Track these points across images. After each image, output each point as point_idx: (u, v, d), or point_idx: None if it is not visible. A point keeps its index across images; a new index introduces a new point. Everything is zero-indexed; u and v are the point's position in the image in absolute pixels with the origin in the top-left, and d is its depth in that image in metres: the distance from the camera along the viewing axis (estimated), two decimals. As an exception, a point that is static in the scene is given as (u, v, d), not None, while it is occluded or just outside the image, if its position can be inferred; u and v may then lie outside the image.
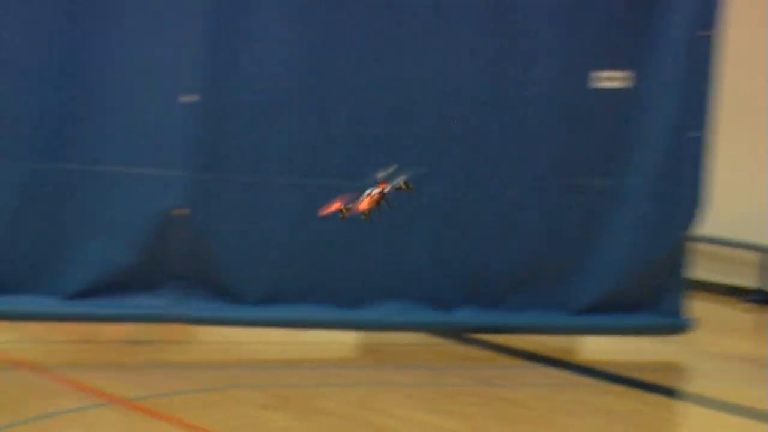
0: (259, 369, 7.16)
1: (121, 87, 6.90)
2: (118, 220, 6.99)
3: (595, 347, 7.81)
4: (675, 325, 7.49)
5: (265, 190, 7.07)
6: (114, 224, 6.98)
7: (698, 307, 7.74)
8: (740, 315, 10.03)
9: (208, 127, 6.95)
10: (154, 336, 7.82)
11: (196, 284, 7.09)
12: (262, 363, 7.36)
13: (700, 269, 9.03)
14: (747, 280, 10.52)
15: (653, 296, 7.26)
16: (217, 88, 6.91)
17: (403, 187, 3.97)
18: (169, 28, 6.89)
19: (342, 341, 7.68)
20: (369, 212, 3.83)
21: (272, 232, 7.09)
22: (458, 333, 7.50)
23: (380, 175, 3.89)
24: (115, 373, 6.85)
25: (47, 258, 6.89)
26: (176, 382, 6.74)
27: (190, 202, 7.05)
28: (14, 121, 6.75)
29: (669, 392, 7.14)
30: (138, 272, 7.02)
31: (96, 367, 6.95)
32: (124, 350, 7.60)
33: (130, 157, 6.97)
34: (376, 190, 3.88)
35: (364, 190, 3.79)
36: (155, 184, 6.95)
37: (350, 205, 3.88)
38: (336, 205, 3.94)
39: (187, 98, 6.90)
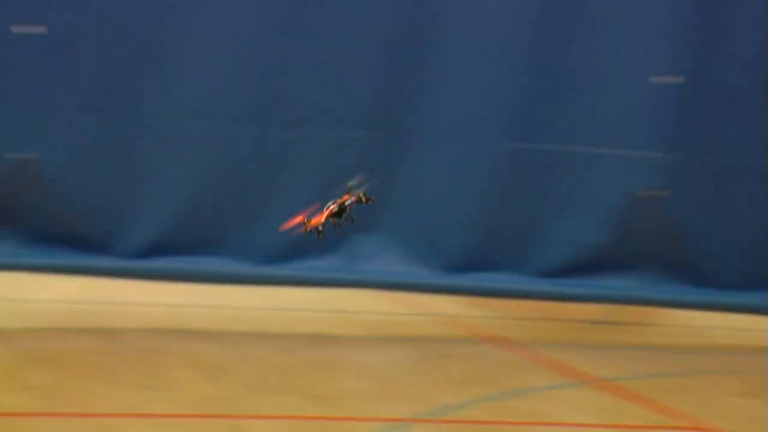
0: (732, 355, 6.99)
1: (592, 68, 6.88)
2: (589, 199, 6.99)
3: None
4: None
5: (735, 175, 6.87)
6: (585, 204, 6.99)
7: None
8: None
9: (685, 109, 6.82)
10: (615, 316, 7.79)
11: (666, 267, 6.99)
12: (733, 349, 7.19)
13: None
14: None
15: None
16: (699, 70, 6.76)
17: (363, 199, 3.73)
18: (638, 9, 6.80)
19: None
20: (322, 227, 3.64)
21: (744, 219, 6.89)
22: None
23: (350, 184, 3.69)
24: (583, 352, 6.87)
25: (522, 237, 6.97)
26: (643, 365, 6.69)
27: (662, 183, 6.96)
28: (491, 105, 6.85)
29: None
30: (607, 252, 6.99)
31: (563, 346, 7.00)
32: (588, 330, 7.62)
33: (601, 137, 6.94)
34: (334, 204, 3.67)
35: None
36: (625, 164, 6.90)
37: (312, 219, 3.68)
38: (298, 219, 3.73)
39: (665, 79, 6.79)
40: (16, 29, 6.12)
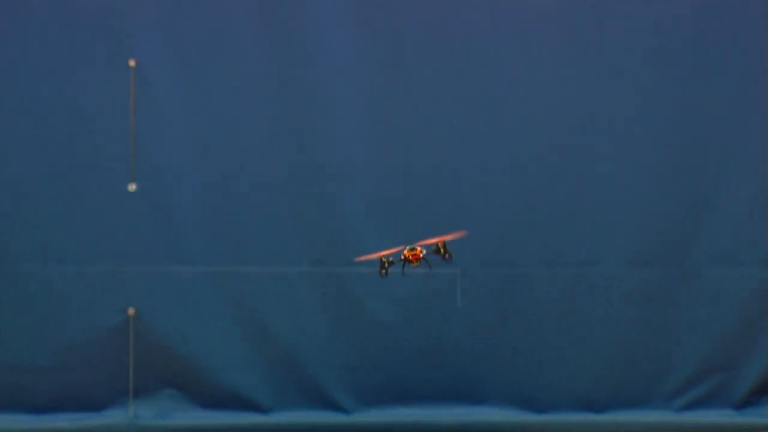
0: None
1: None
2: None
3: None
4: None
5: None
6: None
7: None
8: None
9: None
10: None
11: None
12: None
13: None
14: None
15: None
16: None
17: (441, 251, 3.96)
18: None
19: None
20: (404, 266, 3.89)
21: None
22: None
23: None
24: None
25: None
26: None
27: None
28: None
29: None
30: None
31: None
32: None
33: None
34: (410, 254, 3.88)
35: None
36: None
37: (392, 259, 3.93)
38: (375, 256, 3.91)
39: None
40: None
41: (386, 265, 4.09)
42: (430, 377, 5.73)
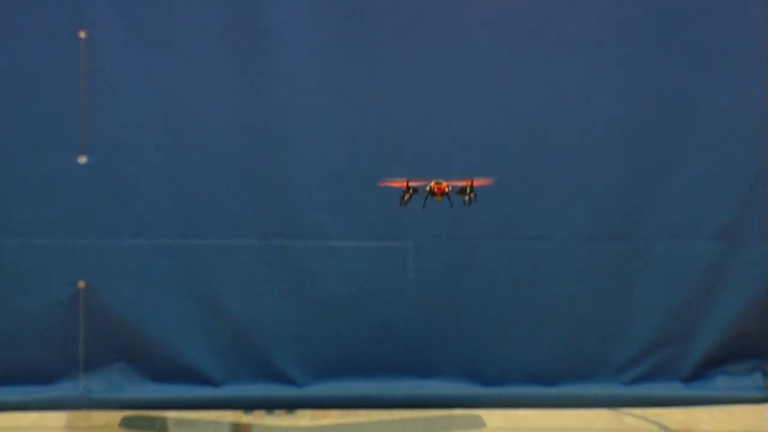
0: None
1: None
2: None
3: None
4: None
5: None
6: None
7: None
8: None
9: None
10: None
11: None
12: None
13: None
14: None
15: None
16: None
17: (467, 192, 3.97)
18: None
19: None
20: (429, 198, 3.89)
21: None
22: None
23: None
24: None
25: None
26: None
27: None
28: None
29: None
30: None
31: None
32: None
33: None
34: (436, 185, 3.88)
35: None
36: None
37: (416, 188, 3.93)
38: (401, 184, 3.90)
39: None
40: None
41: (410, 191, 4.07)
42: (382, 351, 5.73)
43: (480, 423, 5.86)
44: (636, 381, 5.78)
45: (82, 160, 5.59)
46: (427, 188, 4.06)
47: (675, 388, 5.77)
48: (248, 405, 5.70)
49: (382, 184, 4.30)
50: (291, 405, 5.71)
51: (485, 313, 5.73)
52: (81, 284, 5.60)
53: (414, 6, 5.63)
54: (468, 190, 4.11)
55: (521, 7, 5.64)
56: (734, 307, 5.71)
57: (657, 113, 5.65)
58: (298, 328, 5.70)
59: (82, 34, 5.53)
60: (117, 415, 5.79)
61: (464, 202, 4.13)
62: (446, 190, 4.05)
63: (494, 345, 5.74)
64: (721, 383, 5.80)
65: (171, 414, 5.84)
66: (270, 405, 5.72)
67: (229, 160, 5.62)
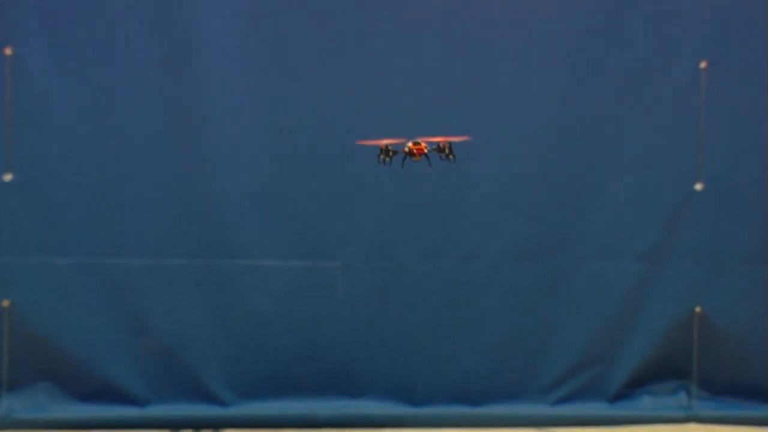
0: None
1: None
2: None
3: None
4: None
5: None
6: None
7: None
8: None
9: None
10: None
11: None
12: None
13: None
14: None
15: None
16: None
17: (446, 151, 3.98)
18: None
19: None
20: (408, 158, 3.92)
21: None
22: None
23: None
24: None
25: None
26: None
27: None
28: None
29: None
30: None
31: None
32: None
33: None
34: (414, 146, 3.91)
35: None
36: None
37: (395, 149, 3.94)
38: (378, 142, 3.92)
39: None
40: None
41: (390, 153, 4.03)
42: (309, 370, 5.72)
43: (407, 443, 5.86)
44: (562, 401, 5.81)
45: (8, 177, 5.53)
46: (405, 149, 4.03)
47: (600, 408, 5.81)
48: (175, 425, 5.65)
49: (359, 143, 4.27)
50: (218, 424, 5.67)
51: (413, 333, 5.74)
52: (5, 303, 5.54)
53: (341, 25, 5.64)
54: (447, 150, 4.09)
55: (449, 34, 5.67)
56: (659, 327, 5.76)
57: (582, 135, 5.70)
58: (225, 347, 5.68)
59: (8, 51, 5.49)
60: (41, 436, 5.73)
61: (443, 157, 4.11)
62: (425, 150, 4.03)
63: (421, 364, 5.74)
64: (645, 403, 5.84)
65: (96, 434, 5.78)
66: (196, 425, 5.68)
67: (156, 178, 5.59)
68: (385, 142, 4.06)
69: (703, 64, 5.68)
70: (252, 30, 5.61)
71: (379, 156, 4.10)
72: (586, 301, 5.76)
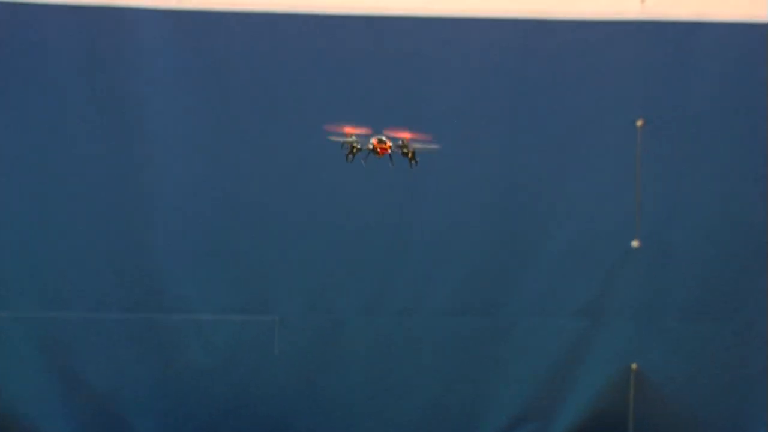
0: None
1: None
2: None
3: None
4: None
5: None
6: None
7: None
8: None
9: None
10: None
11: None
12: None
13: None
14: None
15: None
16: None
17: (409, 155, 3.98)
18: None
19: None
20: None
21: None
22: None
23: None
24: None
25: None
26: None
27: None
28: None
29: None
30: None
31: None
32: None
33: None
34: (379, 143, 3.90)
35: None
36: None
37: (360, 146, 3.92)
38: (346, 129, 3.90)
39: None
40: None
41: (354, 151, 3.99)
42: (243, 424, 5.70)
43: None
44: (496, 458, 5.81)
45: (-57, 230, 5.52)
46: (369, 146, 4.00)
47: (535, 466, 5.81)
48: (108, 480, 5.63)
49: (329, 128, 4.20)
50: (151, 481, 5.66)
51: (350, 387, 5.73)
52: (-62, 357, 5.52)
53: (282, 83, 5.65)
54: (410, 155, 4.07)
55: (383, 81, 5.69)
56: (595, 385, 5.77)
57: (520, 191, 5.72)
58: (161, 402, 5.65)
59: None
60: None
61: (409, 163, 4.09)
62: (389, 151, 4.01)
63: (359, 419, 5.73)
64: (583, 459, 5.85)
65: (31, 488, 5.74)
66: (130, 480, 5.66)
67: (92, 231, 5.58)
68: (349, 130, 4.01)
69: (639, 122, 5.71)
70: (193, 82, 5.62)
71: (347, 155, 4.04)
72: (524, 358, 5.75)
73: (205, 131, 5.62)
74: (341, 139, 4.00)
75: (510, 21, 5.69)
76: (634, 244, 5.73)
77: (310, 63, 5.67)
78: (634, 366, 5.76)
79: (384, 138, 4.03)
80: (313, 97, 5.66)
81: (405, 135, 4.05)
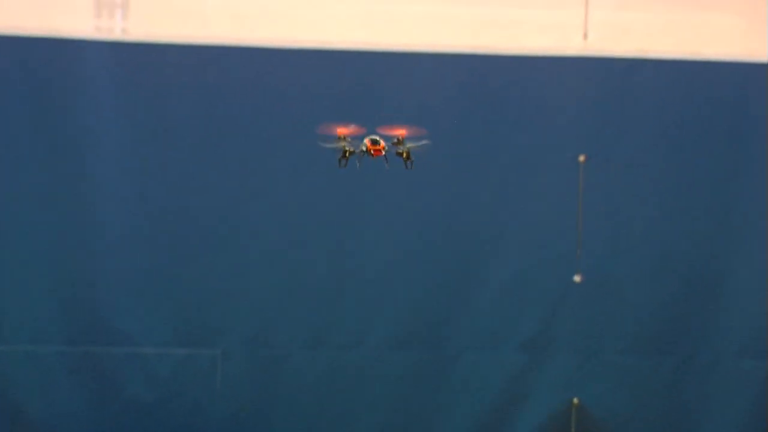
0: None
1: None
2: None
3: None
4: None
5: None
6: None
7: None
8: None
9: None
10: None
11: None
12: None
13: None
14: None
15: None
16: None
17: (404, 155, 3.88)
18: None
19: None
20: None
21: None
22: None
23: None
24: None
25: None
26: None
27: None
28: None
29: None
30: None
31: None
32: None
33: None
34: (372, 144, 3.82)
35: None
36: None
37: (353, 149, 3.83)
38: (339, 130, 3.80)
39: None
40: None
41: (347, 155, 3.85)
42: (186, 460, 5.68)
43: None
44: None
45: None
46: (363, 147, 3.87)
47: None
48: None
49: (322, 131, 4.07)
50: None
51: (294, 421, 5.71)
52: None
53: (225, 120, 5.66)
54: (406, 155, 3.94)
55: (326, 115, 5.68)
56: (538, 418, 5.78)
57: (464, 226, 5.74)
58: (103, 436, 5.62)
59: None
60: None
61: (405, 163, 3.96)
62: (383, 152, 3.88)
63: (300, 454, 5.73)
64: (525, 492, 5.86)
65: None
66: None
67: (34, 264, 5.54)
68: (342, 131, 3.90)
69: (582, 157, 5.75)
70: (136, 114, 5.60)
71: (340, 159, 3.91)
72: (467, 391, 5.76)
73: (147, 165, 5.60)
74: (332, 145, 3.93)
75: (454, 56, 5.72)
76: (577, 278, 5.76)
77: (253, 94, 5.67)
78: (575, 400, 5.78)
79: (377, 138, 3.93)
80: (255, 129, 5.66)
81: (400, 132, 3.96)
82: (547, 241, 5.75)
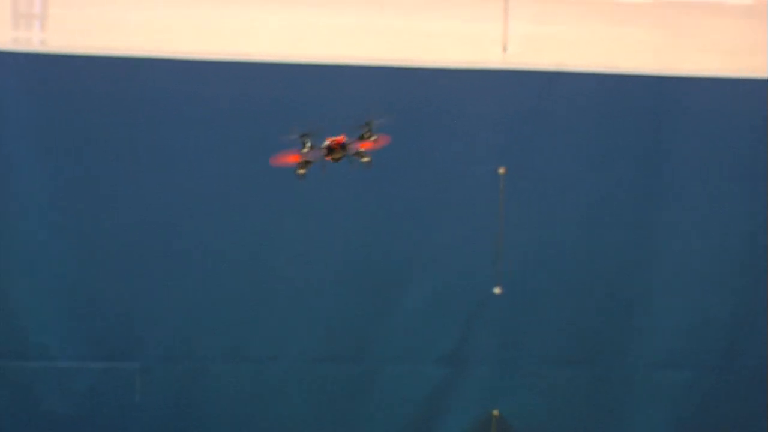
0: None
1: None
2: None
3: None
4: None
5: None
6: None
7: None
8: None
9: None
10: None
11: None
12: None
13: None
14: None
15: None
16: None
17: (368, 136, 3.87)
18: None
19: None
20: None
21: None
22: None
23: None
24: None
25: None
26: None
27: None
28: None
29: None
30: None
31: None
32: None
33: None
34: (332, 140, 3.80)
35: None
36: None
37: (310, 158, 3.80)
38: (294, 158, 3.77)
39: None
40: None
41: (305, 164, 3.78)
42: (103, 474, 5.63)
43: None
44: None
45: None
46: (324, 146, 3.82)
47: None
48: None
49: (274, 162, 4.05)
50: None
51: (213, 435, 5.69)
52: None
53: (142, 122, 5.64)
54: (361, 152, 3.90)
55: (250, 128, 5.70)
56: (459, 430, 5.78)
57: (383, 239, 5.74)
58: (18, 451, 5.56)
59: None
60: None
61: (367, 144, 3.91)
62: (344, 140, 3.84)
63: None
64: (445, 506, 5.85)
65: None
66: None
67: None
68: (300, 155, 3.86)
69: (501, 170, 5.77)
70: (54, 128, 5.58)
71: (298, 171, 3.87)
72: (387, 404, 5.75)
73: (65, 177, 5.57)
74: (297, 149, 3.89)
75: (374, 69, 5.73)
76: (497, 290, 5.77)
77: (173, 106, 5.65)
78: (495, 412, 5.79)
79: (333, 138, 3.92)
80: (174, 141, 5.65)
81: (340, 138, 3.95)
82: (467, 253, 5.77)
